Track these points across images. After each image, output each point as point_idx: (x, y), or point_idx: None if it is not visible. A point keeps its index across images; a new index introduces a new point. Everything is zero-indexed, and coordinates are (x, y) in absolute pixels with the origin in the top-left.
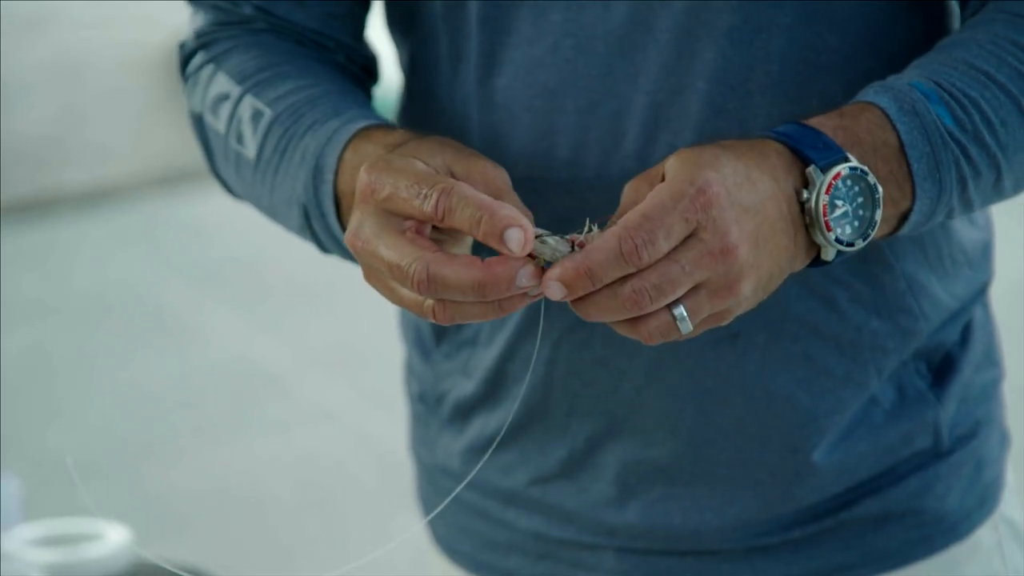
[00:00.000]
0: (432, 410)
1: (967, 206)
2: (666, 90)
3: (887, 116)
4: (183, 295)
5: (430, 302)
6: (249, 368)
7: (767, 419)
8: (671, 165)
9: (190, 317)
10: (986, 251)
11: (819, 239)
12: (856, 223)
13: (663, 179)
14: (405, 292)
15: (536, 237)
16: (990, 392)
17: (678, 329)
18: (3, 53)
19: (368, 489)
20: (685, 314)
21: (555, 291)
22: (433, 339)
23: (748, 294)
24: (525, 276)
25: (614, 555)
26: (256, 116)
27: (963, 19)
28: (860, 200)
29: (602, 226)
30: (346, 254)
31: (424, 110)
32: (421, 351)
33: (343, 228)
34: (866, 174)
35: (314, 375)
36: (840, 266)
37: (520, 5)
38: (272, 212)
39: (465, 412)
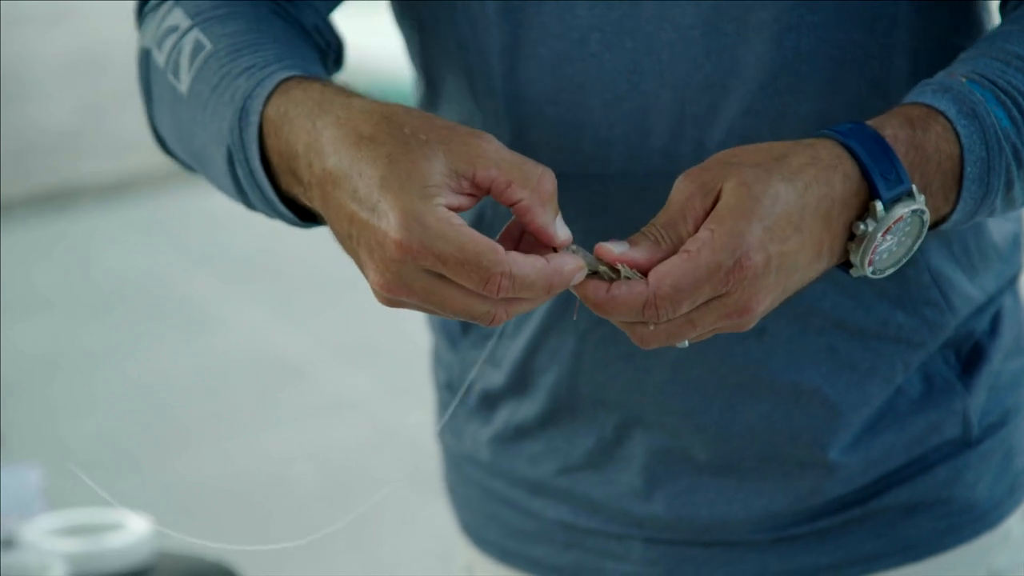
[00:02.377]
0: (460, 400)
1: (1010, 205)
2: (693, 87)
3: (952, 126)
4: (204, 286)
5: (487, 307)
6: (270, 359)
7: (793, 413)
8: (727, 195)
9: (211, 308)
10: (1016, 242)
11: (856, 264)
12: (897, 255)
13: (717, 197)
14: (457, 295)
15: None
16: (1020, 381)
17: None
18: (24, 46)
19: (390, 481)
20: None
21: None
22: (460, 328)
23: (760, 314)
24: (578, 276)
25: (641, 545)
26: (197, 49)
27: (1003, 11)
28: (909, 235)
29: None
30: (271, 208)
31: (445, 104)
32: (448, 340)
33: (269, 178)
34: (924, 214)
35: (335, 365)
36: None
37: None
38: (201, 159)
39: (492, 402)
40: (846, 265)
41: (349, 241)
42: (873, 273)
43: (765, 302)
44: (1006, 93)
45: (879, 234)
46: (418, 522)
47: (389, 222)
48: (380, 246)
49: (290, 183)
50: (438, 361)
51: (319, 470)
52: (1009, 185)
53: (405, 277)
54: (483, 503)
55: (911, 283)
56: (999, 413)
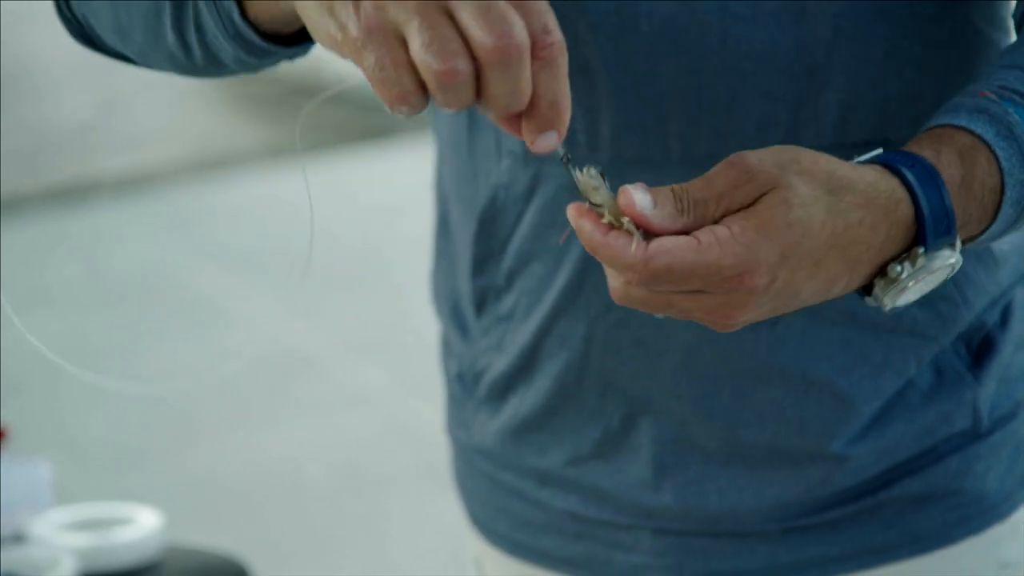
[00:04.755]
0: (469, 389)
1: None
2: (710, 72)
3: (994, 155)
4: (220, 280)
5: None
6: (285, 352)
7: (805, 403)
8: (765, 205)
9: (227, 302)
10: None
11: (878, 298)
12: (918, 294)
13: (757, 198)
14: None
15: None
16: None
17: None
18: (38, 41)
19: (405, 472)
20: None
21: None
22: (474, 313)
23: (740, 324)
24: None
25: (650, 536)
26: None
27: (1020, 29)
28: (938, 279)
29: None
30: (224, 30)
31: None
32: (459, 327)
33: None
34: (960, 263)
35: (350, 359)
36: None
37: None
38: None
39: (501, 390)
40: (863, 291)
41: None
42: (890, 310)
43: (749, 316)
44: None
45: (912, 281)
46: (429, 518)
47: None
48: None
49: None
50: (447, 350)
51: (330, 465)
52: None
53: None
54: (492, 495)
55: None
56: (1009, 405)
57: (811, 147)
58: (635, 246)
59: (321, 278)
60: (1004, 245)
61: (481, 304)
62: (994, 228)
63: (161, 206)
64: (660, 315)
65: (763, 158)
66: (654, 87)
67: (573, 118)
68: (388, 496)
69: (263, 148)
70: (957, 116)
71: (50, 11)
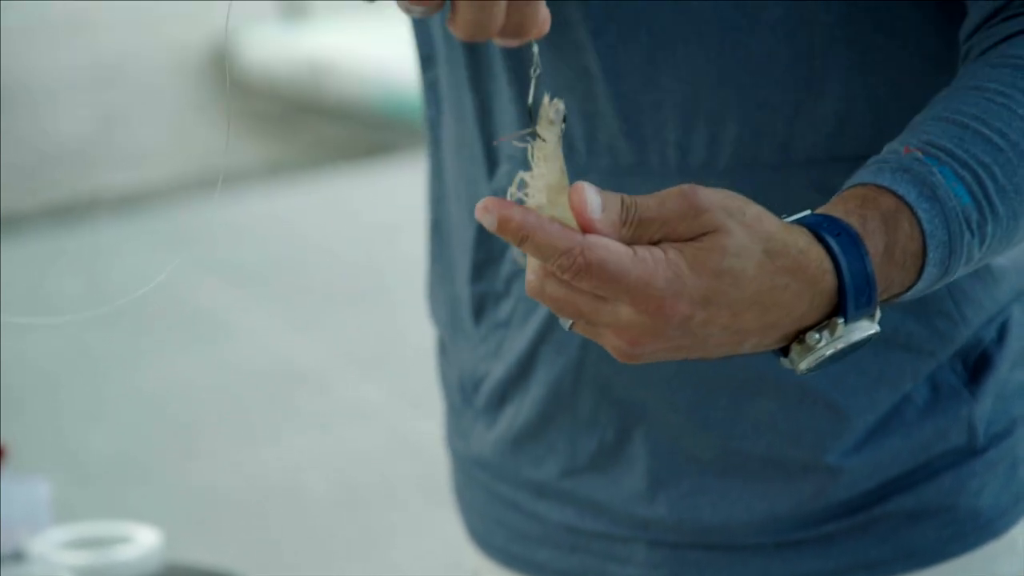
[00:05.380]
0: (468, 398)
1: (968, 269)
2: (707, 82)
3: (916, 218)
4: (221, 295)
5: None
6: (286, 367)
7: (799, 415)
8: (705, 246)
9: (227, 317)
10: None
11: (795, 363)
12: (831, 359)
13: (699, 235)
14: None
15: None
16: None
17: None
18: (40, 57)
19: (404, 489)
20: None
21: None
22: (473, 319)
23: (638, 357)
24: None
25: (645, 548)
26: None
27: (965, 50)
28: (852, 348)
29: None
30: None
31: (451, 90)
32: (456, 333)
33: None
34: (876, 334)
35: (350, 373)
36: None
37: None
38: None
39: (498, 399)
40: (779, 351)
41: None
42: (801, 373)
43: (655, 348)
44: (964, 165)
45: (830, 350)
46: (429, 531)
47: None
48: None
49: None
50: (446, 358)
51: (330, 479)
52: (969, 260)
53: None
54: (489, 507)
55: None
56: (1005, 422)
57: (805, 157)
58: (573, 231)
59: (321, 293)
60: (1003, 261)
61: (480, 310)
62: (917, 287)
63: (161, 222)
64: (565, 325)
65: (713, 200)
66: (652, 95)
67: (572, 124)
68: (388, 510)
69: (263, 164)
70: (881, 175)
71: (50, 27)
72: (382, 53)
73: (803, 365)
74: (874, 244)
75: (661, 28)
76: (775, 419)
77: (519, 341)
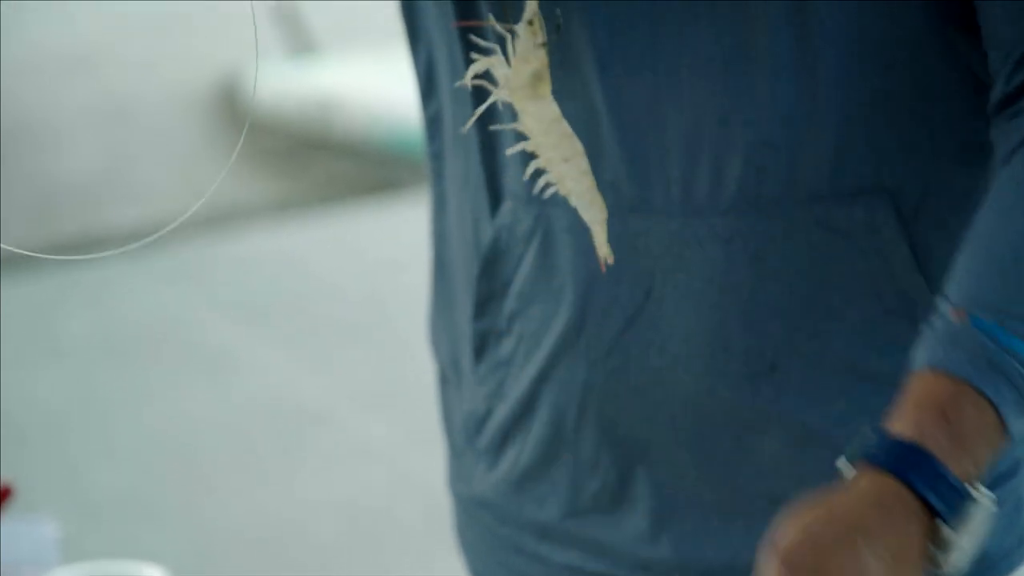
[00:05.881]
0: (470, 439)
1: None
2: (710, 118)
3: (982, 393)
4: (228, 332)
5: None
6: (293, 404)
7: (803, 455)
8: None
9: (235, 353)
10: None
11: (946, 563)
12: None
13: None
14: None
15: None
16: None
17: None
18: (49, 94)
19: (411, 527)
20: None
21: None
22: (473, 358)
23: None
24: None
25: None
26: None
27: (997, 125)
28: (986, 522)
29: None
30: None
31: (458, 127)
32: (458, 372)
33: None
34: (992, 503)
35: (357, 410)
36: (879, 303)
37: (568, 27)
38: None
39: (501, 439)
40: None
41: None
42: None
43: None
44: (1014, 316)
45: (953, 551)
46: (435, 571)
47: None
48: None
49: None
50: (447, 398)
51: (338, 517)
52: None
53: None
54: (492, 549)
55: None
56: (1008, 463)
57: (807, 193)
58: None
59: (329, 329)
60: None
61: (481, 348)
62: (1011, 438)
63: (171, 259)
64: None
65: (788, 543)
66: (657, 131)
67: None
68: (394, 549)
69: (271, 201)
70: (936, 356)
71: (60, 63)
72: (390, 90)
73: (954, 561)
74: (936, 444)
75: (666, 64)
76: (779, 459)
77: (521, 380)
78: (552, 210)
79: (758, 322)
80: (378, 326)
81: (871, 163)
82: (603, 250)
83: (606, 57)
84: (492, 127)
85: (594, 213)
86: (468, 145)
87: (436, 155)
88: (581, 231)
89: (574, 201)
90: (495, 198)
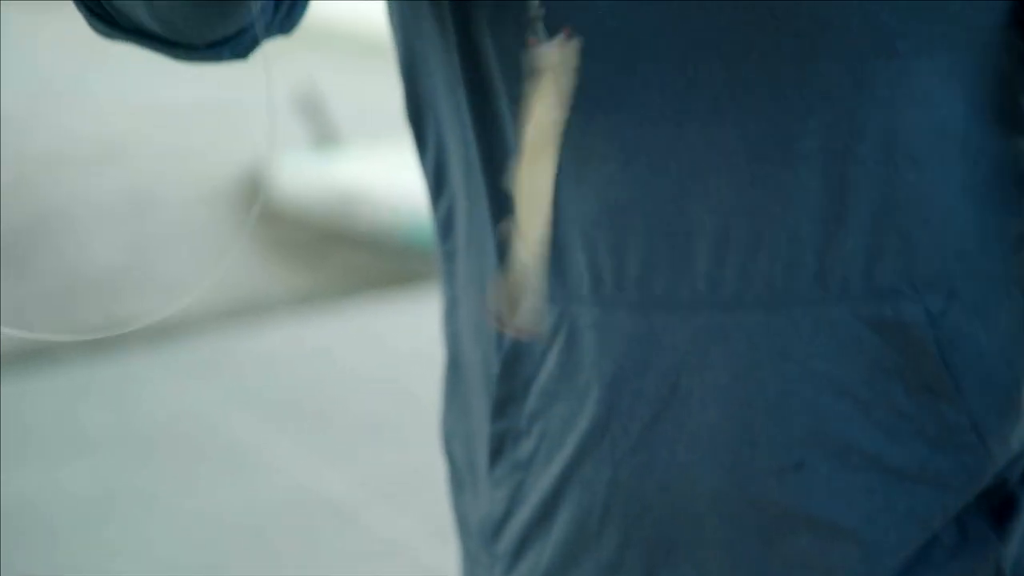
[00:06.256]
0: (487, 543)
1: None
2: (738, 212)
3: None
4: (250, 426)
5: None
6: (316, 500)
7: (830, 551)
8: None
9: (257, 448)
10: None
11: None
12: None
13: None
14: None
15: None
16: None
17: None
18: (72, 185)
19: None
20: None
21: None
22: (489, 460)
23: None
24: None
25: None
26: None
27: None
28: None
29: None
30: None
31: (473, 226)
32: (473, 475)
33: None
34: None
35: (381, 506)
36: (906, 398)
37: (592, 121)
38: None
39: (519, 544)
40: None
41: None
42: None
43: None
44: None
45: None
46: None
47: None
48: None
49: None
50: (461, 502)
51: None
52: None
53: None
54: None
55: (951, 426)
56: None
57: (837, 290)
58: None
59: (351, 423)
60: None
61: (499, 450)
62: None
63: (192, 353)
64: None
65: None
66: (683, 226)
67: (599, 257)
68: None
69: (293, 293)
70: None
71: (83, 155)
72: (412, 183)
73: None
74: None
75: (691, 159)
76: (807, 556)
77: (543, 480)
78: (576, 307)
79: (785, 417)
80: (402, 419)
81: (903, 259)
82: (522, 322)
83: (630, 152)
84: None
85: (528, 283)
86: (483, 243)
87: (449, 254)
88: (607, 328)
89: (515, 267)
90: None
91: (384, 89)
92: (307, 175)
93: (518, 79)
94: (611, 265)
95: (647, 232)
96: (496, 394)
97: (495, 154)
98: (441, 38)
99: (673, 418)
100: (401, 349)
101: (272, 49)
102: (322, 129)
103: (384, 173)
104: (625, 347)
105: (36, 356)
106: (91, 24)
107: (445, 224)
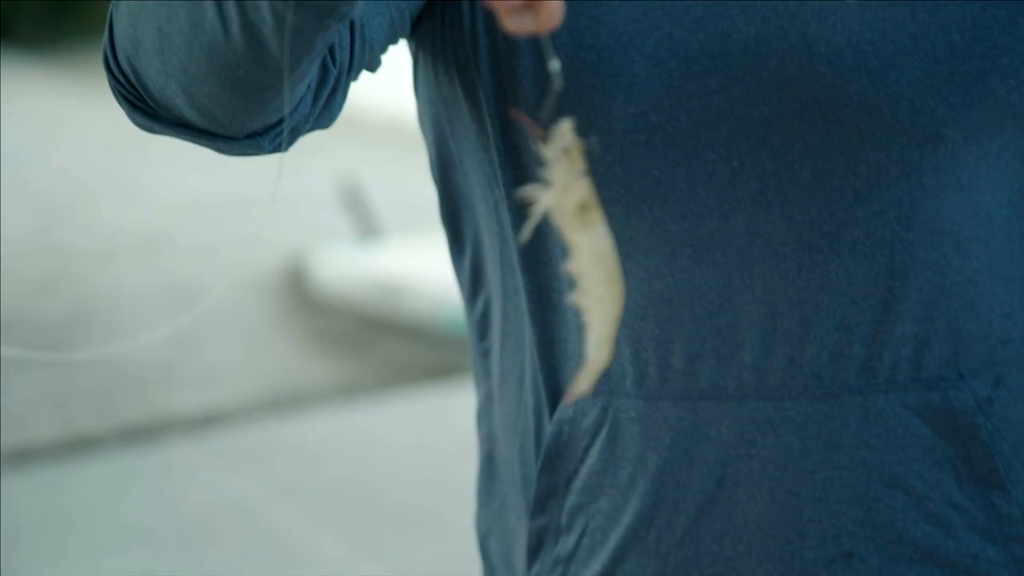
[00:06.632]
0: None
1: None
2: (785, 302)
3: None
4: (291, 518)
5: None
6: None
7: None
8: None
9: (297, 540)
10: None
11: None
12: None
13: None
14: None
15: None
16: None
17: None
18: (115, 279)
19: None
20: None
21: None
22: (527, 557)
23: None
24: None
25: None
26: None
27: None
28: None
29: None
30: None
31: (508, 322)
32: (509, 569)
33: None
34: None
35: None
36: (958, 489)
37: (636, 214)
38: (163, 15)
39: None
40: None
41: None
42: None
43: None
44: None
45: None
46: None
47: None
48: None
49: None
50: None
51: None
52: None
53: None
54: None
55: (1002, 516)
56: None
57: (885, 379)
58: None
59: (393, 516)
60: None
61: (538, 547)
62: None
63: (233, 443)
64: None
65: None
66: (729, 316)
67: (645, 350)
68: None
69: (336, 384)
70: None
71: (127, 249)
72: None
73: None
74: None
75: (737, 249)
76: None
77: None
78: (619, 401)
79: (833, 508)
80: (443, 513)
81: (950, 347)
82: (579, 387)
83: (675, 244)
84: (551, 317)
85: (599, 356)
86: (521, 341)
87: (485, 353)
88: (651, 420)
89: (589, 342)
90: (554, 392)
91: (424, 180)
92: (350, 266)
93: None
94: (656, 358)
95: (693, 324)
96: (536, 490)
97: (534, 248)
98: (479, 137)
99: (720, 510)
100: (442, 440)
101: (314, 142)
102: (365, 221)
103: (425, 264)
104: (670, 440)
105: (77, 446)
106: (132, 118)
107: (481, 323)
